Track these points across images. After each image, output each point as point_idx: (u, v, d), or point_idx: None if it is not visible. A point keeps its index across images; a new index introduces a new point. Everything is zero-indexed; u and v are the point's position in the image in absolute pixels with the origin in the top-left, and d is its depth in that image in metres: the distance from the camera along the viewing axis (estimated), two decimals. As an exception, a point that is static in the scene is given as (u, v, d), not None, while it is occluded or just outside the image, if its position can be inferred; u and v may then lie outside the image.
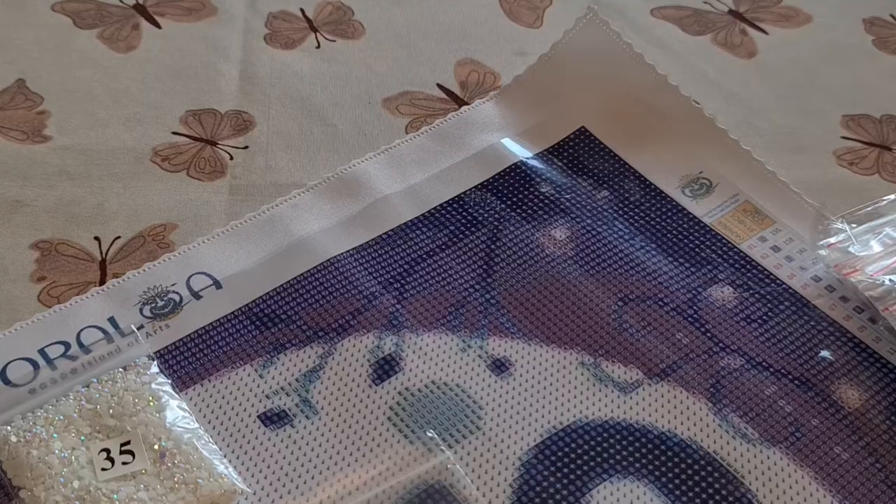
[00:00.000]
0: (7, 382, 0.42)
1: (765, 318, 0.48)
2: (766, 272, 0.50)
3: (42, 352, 0.44)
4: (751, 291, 0.49)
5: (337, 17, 0.63)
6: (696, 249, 0.50)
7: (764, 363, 0.46)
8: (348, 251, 0.49)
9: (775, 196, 0.53)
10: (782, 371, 0.45)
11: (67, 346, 0.44)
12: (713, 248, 0.51)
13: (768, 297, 0.48)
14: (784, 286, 0.49)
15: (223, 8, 0.63)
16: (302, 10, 0.64)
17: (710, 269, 0.50)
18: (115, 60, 0.59)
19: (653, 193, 0.53)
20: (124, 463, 0.39)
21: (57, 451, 0.39)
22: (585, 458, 0.42)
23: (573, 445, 0.42)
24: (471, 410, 0.43)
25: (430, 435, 0.42)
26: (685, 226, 0.52)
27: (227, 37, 0.61)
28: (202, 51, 0.60)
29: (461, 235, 0.50)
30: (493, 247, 0.50)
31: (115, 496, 0.38)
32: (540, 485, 0.41)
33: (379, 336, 0.46)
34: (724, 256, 0.50)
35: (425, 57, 0.61)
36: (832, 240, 0.49)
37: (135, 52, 0.60)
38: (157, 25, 0.61)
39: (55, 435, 0.39)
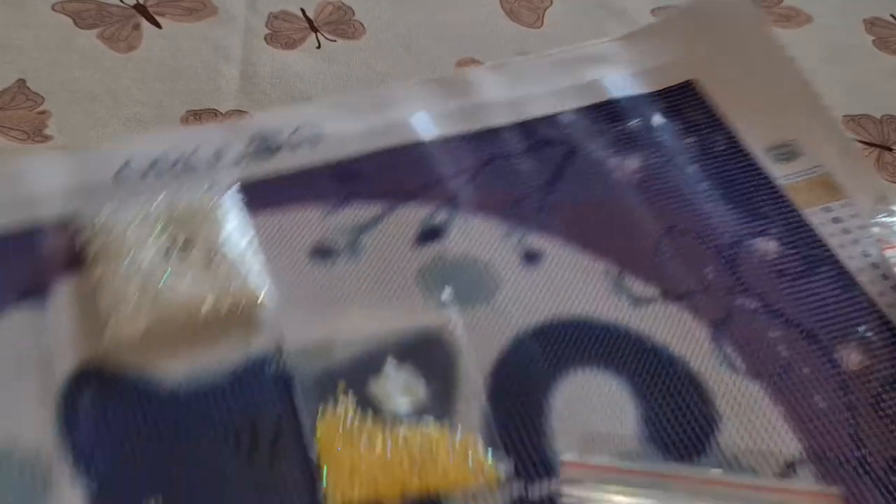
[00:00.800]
0: (117, 178, 0.51)
1: (798, 275, 0.49)
2: (817, 238, 0.51)
3: (157, 157, 0.52)
4: (795, 250, 0.50)
5: (337, 17, 0.65)
6: (757, 203, 0.53)
7: (779, 311, 0.48)
8: (439, 137, 0.55)
9: (856, 175, 0.54)
10: (794, 322, 0.47)
11: (177, 160, 0.52)
12: (774, 205, 0.53)
13: (810, 258, 0.50)
14: (830, 253, 0.51)
15: (223, 8, 0.64)
16: (302, 10, 0.65)
17: (763, 222, 0.52)
18: (115, 60, 0.59)
19: (737, 148, 0.55)
20: (181, 258, 0.47)
21: (132, 237, 0.47)
22: (576, 346, 0.46)
23: (568, 334, 0.46)
24: (490, 285, 0.48)
25: (445, 294, 0.47)
26: (755, 181, 0.54)
27: (228, 37, 0.62)
28: (203, 51, 0.61)
29: (542, 146, 0.55)
30: (567, 161, 0.54)
31: (163, 281, 0.45)
32: (525, 358, 0.45)
33: (435, 209, 0.51)
34: (782, 215, 0.52)
35: (426, 57, 0.63)
36: (887, 219, 0.50)
37: (135, 52, 0.60)
38: (158, 25, 0.62)
39: (134, 225, 0.47)
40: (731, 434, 0.43)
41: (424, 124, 0.55)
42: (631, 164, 0.54)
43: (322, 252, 0.49)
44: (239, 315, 0.46)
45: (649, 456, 0.43)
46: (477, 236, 0.50)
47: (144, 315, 0.44)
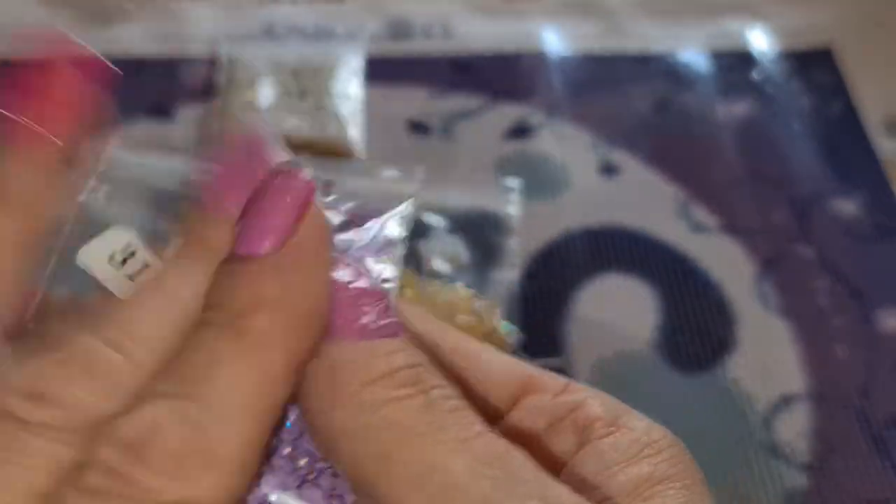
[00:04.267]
0: (264, 33, 0.58)
1: (866, 239, 0.50)
2: (901, 211, 0.51)
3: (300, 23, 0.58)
4: (871, 217, 0.50)
5: None
6: (851, 168, 0.53)
7: (832, 265, 0.48)
8: (562, 52, 0.58)
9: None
10: (843, 277, 0.48)
11: (318, 27, 0.58)
12: (867, 173, 0.52)
13: (883, 227, 0.50)
14: (907, 227, 0.50)
15: None
16: None
17: (849, 185, 0.52)
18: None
19: (852, 115, 0.55)
20: (294, 102, 0.52)
21: (259, 78, 0.53)
22: (620, 252, 0.48)
23: (617, 240, 0.49)
24: (559, 184, 0.51)
25: (516, 183, 0.51)
26: (857, 148, 0.54)
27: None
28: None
29: (657, 78, 0.57)
30: (677, 95, 0.56)
31: (283, 118, 0.51)
32: (568, 251, 0.48)
33: (533, 111, 0.55)
34: (872, 184, 0.52)
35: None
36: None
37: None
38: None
39: (264, 69, 0.54)
40: (740, 359, 0.45)
41: (552, 38, 0.58)
42: (738, 109, 0.55)
43: (418, 127, 0.54)
44: (331, 155, 0.51)
45: (654, 361, 0.45)
46: (563, 141, 0.53)
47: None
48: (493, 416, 0.24)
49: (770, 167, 0.52)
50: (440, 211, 0.49)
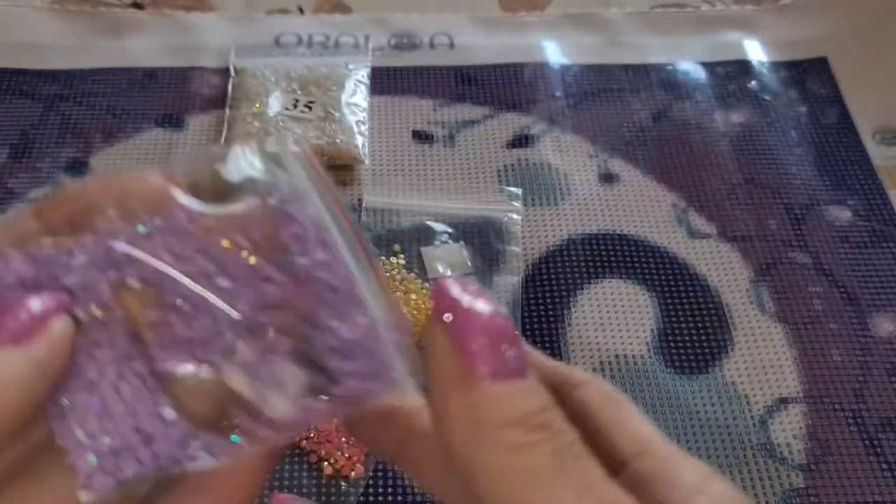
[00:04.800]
0: (274, 44, 0.59)
1: (862, 244, 0.51)
2: (895, 217, 0.52)
3: (307, 34, 0.60)
4: (867, 223, 0.52)
5: None
6: (846, 175, 0.54)
7: (828, 271, 0.49)
8: (562, 64, 0.59)
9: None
10: (839, 283, 0.49)
11: (326, 39, 0.59)
12: (862, 180, 0.54)
13: (879, 233, 0.51)
14: (901, 233, 0.51)
15: (221, 6, 0.62)
16: (300, 9, 0.63)
17: (844, 192, 0.53)
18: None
19: (846, 124, 0.57)
20: (302, 111, 0.54)
21: (268, 88, 0.54)
22: (620, 258, 0.50)
23: (617, 246, 0.50)
24: (560, 192, 0.52)
25: (517, 191, 0.52)
26: (851, 156, 0.55)
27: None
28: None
29: (657, 88, 0.58)
30: (676, 104, 0.57)
31: (281, 124, 0.53)
32: (569, 257, 0.49)
33: (534, 121, 0.56)
34: (867, 190, 0.53)
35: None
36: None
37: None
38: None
39: (273, 79, 0.55)
40: (737, 362, 0.46)
41: (553, 50, 0.60)
42: (735, 118, 0.56)
43: (423, 136, 0.55)
44: (339, 164, 0.52)
45: (652, 365, 0.46)
46: (564, 150, 0.54)
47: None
48: (618, 463, 0.25)
49: (766, 175, 0.54)
50: (444, 218, 0.50)
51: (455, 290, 0.23)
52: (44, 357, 0.22)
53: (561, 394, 0.25)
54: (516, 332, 0.23)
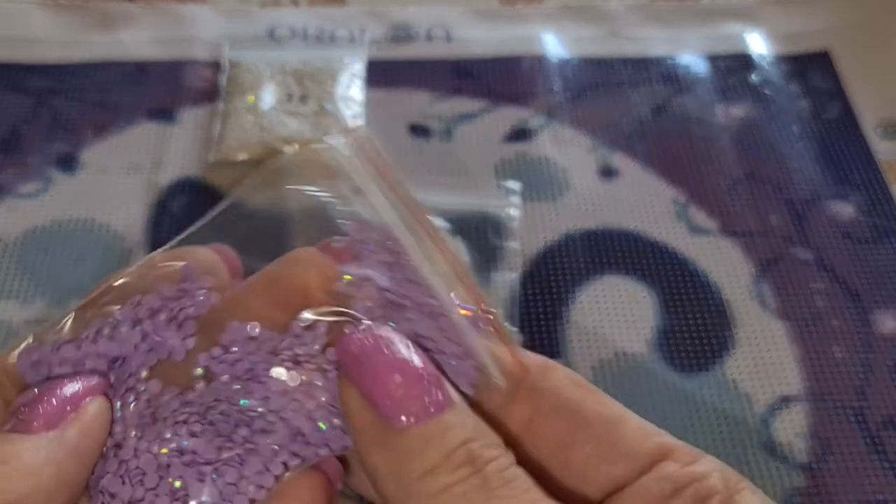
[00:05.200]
0: (267, 36, 0.58)
1: (864, 240, 0.50)
2: (897, 212, 0.51)
3: (301, 27, 0.59)
4: (869, 219, 0.51)
5: None
6: (847, 170, 0.53)
7: (830, 267, 0.49)
8: (561, 56, 0.58)
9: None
10: (841, 279, 0.48)
11: (321, 32, 0.59)
12: (864, 175, 0.53)
13: (882, 228, 0.50)
14: (905, 229, 0.51)
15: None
16: (294, 1, 0.61)
17: (846, 187, 0.52)
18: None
19: (848, 118, 0.56)
20: (297, 106, 0.53)
21: (261, 81, 0.54)
22: (619, 254, 0.49)
23: (616, 242, 0.49)
24: (559, 187, 0.52)
25: (516, 186, 0.51)
26: (852, 150, 0.54)
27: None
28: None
29: (657, 82, 0.57)
30: (676, 98, 0.56)
31: (284, 121, 0.52)
32: (568, 253, 0.49)
33: (533, 114, 0.55)
34: (869, 185, 0.52)
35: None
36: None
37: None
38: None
39: (267, 72, 0.54)
40: (739, 360, 0.45)
41: (552, 42, 0.59)
42: (736, 111, 0.56)
43: (420, 130, 0.54)
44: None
45: (653, 362, 0.45)
46: (563, 144, 0.54)
47: (250, 142, 0.51)
48: (625, 479, 0.25)
49: (768, 169, 0.53)
50: (441, 213, 0.49)
51: (354, 346, 0.24)
52: (76, 440, 0.24)
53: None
54: (424, 368, 0.23)
